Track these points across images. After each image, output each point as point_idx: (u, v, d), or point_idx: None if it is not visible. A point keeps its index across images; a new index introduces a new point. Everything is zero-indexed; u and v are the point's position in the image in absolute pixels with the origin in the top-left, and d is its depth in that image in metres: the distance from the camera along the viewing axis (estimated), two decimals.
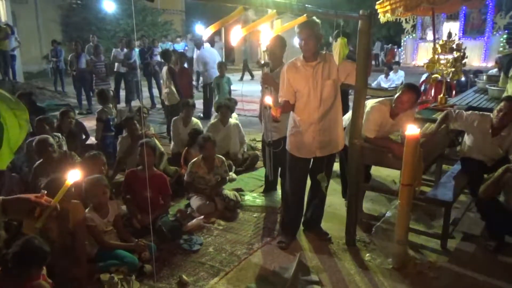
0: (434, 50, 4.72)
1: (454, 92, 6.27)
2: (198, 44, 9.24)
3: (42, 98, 9.73)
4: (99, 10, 16.63)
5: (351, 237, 3.17)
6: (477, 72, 8.85)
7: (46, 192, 1.32)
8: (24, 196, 1.31)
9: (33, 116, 4.23)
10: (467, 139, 3.67)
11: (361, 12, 2.68)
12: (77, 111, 7.70)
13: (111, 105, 5.64)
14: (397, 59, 17.22)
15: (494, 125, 3.42)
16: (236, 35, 2.00)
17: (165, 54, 6.95)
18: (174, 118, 5.34)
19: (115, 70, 9.23)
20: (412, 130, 2.63)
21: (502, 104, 3.40)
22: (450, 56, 4.59)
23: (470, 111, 3.69)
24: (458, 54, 4.63)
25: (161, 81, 7.04)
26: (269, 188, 4.21)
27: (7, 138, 0.98)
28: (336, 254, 3.06)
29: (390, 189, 3.77)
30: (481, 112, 3.64)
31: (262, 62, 2.89)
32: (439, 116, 3.77)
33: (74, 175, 1.32)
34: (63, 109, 5.19)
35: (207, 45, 8.81)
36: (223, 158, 4.13)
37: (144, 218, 3.26)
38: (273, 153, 3.09)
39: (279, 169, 3.70)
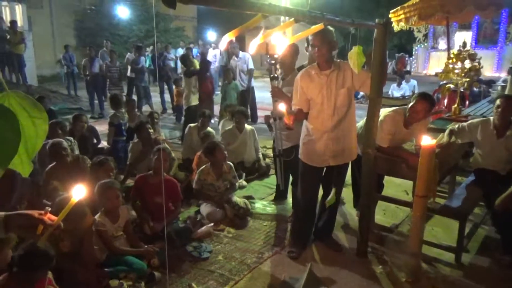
0: (449, 59, 4.67)
1: (467, 102, 6.19)
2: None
3: (55, 102, 9.88)
4: (112, 16, 16.90)
5: (363, 248, 3.11)
6: (491, 82, 8.74)
7: (50, 209, 1.28)
8: (27, 212, 1.27)
9: None
10: (476, 150, 3.62)
11: (377, 20, 2.66)
12: (89, 115, 7.80)
13: (123, 110, 5.68)
14: (408, 68, 17.16)
15: (496, 125, 3.37)
16: (254, 43, 2.00)
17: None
18: (190, 124, 5.35)
19: (128, 75, 9.35)
20: (427, 140, 2.58)
21: (498, 101, 3.37)
22: (465, 65, 4.53)
23: (470, 120, 3.64)
24: (472, 64, 4.57)
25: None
26: (279, 196, 4.17)
27: (25, 147, 0.97)
28: (347, 265, 3.00)
29: (403, 200, 3.71)
30: (481, 118, 3.60)
31: (272, 75, 2.85)
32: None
33: (79, 192, 1.27)
34: (76, 113, 5.26)
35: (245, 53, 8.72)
36: (231, 164, 4.11)
37: (155, 224, 3.25)
38: (285, 162, 3.05)
39: (290, 177, 3.67)
